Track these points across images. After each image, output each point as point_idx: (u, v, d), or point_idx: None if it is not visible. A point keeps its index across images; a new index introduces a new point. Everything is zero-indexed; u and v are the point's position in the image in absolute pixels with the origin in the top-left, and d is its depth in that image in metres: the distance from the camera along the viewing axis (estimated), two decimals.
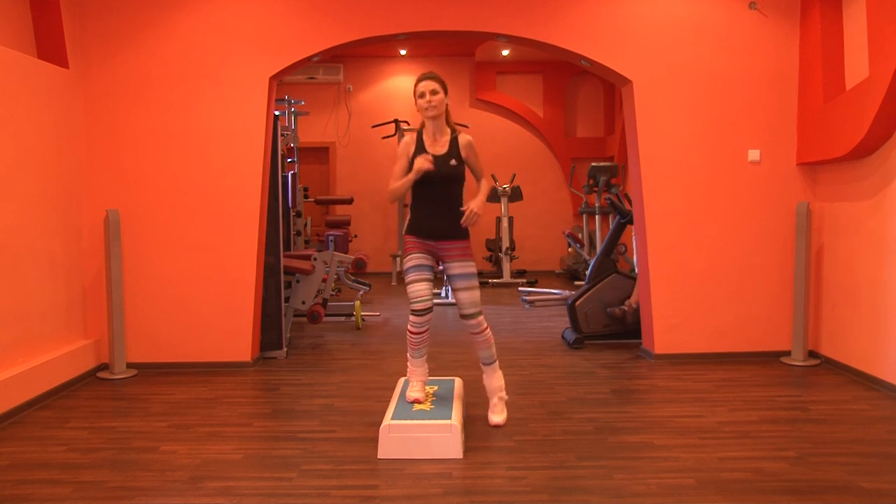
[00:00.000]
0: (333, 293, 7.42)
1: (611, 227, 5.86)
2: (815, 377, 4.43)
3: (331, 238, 7.60)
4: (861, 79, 4.23)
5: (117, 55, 4.65)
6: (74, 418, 3.72)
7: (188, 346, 4.72)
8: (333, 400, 4.01)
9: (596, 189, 8.50)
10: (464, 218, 3.31)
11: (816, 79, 4.61)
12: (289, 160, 7.57)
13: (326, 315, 6.21)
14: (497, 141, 10.03)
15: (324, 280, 5.87)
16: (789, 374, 4.52)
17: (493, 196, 8.83)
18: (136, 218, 4.67)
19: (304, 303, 5.56)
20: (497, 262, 9.24)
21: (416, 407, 3.32)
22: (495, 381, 3.56)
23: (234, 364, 4.71)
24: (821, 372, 4.55)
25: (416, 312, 3.33)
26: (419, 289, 3.33)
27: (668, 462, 3.04)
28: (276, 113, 5.10)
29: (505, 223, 8.87)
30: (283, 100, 7.82)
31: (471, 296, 3.39)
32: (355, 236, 9.40)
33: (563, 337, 5.59)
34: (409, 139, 3.48)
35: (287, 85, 9.50)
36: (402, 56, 10.05)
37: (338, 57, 9.82)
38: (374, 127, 9.39)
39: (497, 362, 3.56)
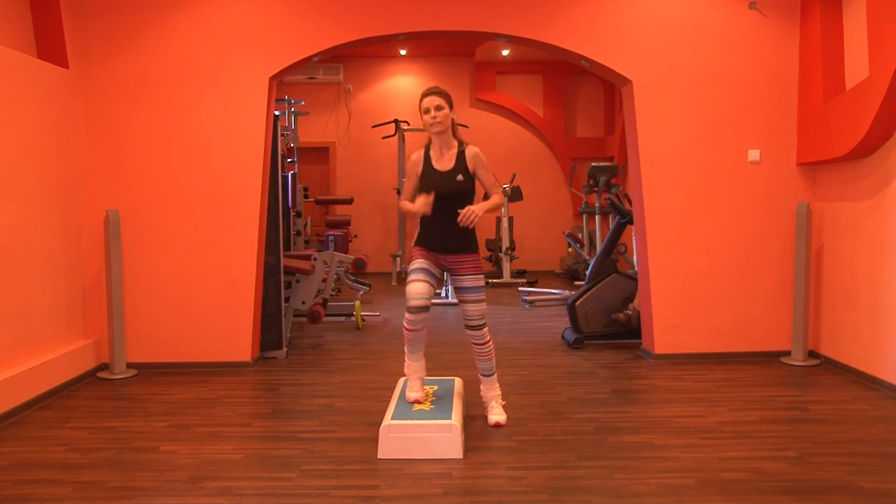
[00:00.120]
0: (333, 293, 7.42)
1: (611, 227, 5.86)
2: (815, 377, 4.43)
3: (331, 238, 7.60)
4: (861, 79, 4.23)
5: (117, 55, 4.65)
6: (74, 418, 3.72)
7: (188, 346, 4.72)
8: (333, 400, 4.01)
9: (596, 189, 8.50)
10: (461, 216, 3.28)
11: (816, 79, 4.61)
12: (289, 160, 7.57)
13: (326, 315, 6.21)
14: (497, 141, 10.02)
15: (324, 280, 5.87)
16: (789, 374, 4.52)
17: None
18: (136, 218, 4.67)
19: (304, 303, 5.56)
20: (497, 262, 9.24)
21: (416, 407, 3.32)
22: (493, 391, 3.59)
23: (234, 364, 4.71)
24: (821, 372, 4.55)
25: (410, 310, 3.32)
26: (417, 287, 3.32)
27: (668, 462, 3.04)
28: (276, 113, 5.10)
29: (505, 223, 8.87)
30: (283, 100, 7.82)
31: (478, 308, 3.42)
32: (355, 236, 9.40)
33: (563, 337, 5.59)
34: (417, 157, 3.48)
35: (287, 85, 9.50)
36: (402, 56, 10.05)
37: (338, 57, 9.82)
38: (374, 127, 9.39)
39: (496, 375, 3.58)
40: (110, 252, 4.48)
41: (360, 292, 6.92)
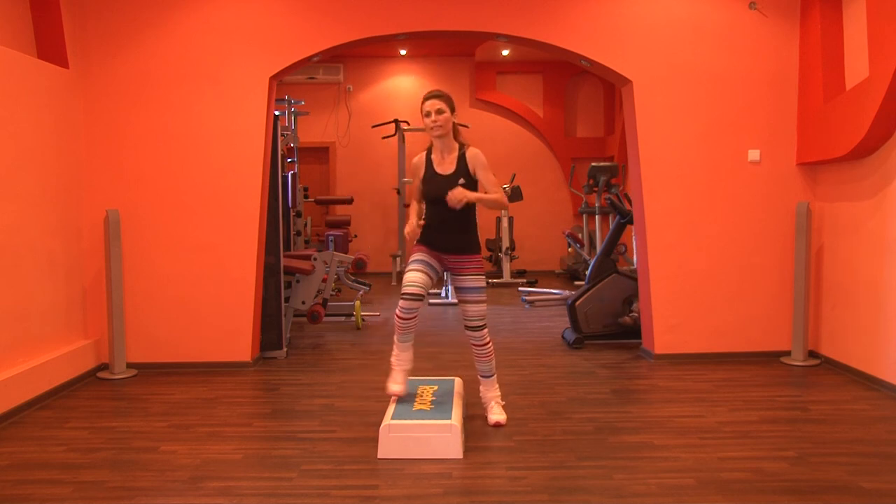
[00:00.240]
0: (333, 293, 7.42)
1: (611, 227, 5.86)
2: (815, 377, 4.43)
3: (331, 238, 7.60)
4: (861, 79, 4.23)
5: (117, 55, 4.65)
6: (74, 418, 3.72)
7: (188, 346, 4.72)
8: (333, 400, 4.01)
9: (596, 189, 8.50)
10: (448, 194, 3.26)
11: (816, 79, 4.61)
12: (289, 160, 7.57)
13: (326, 315, 6.21)
14: (497, 141, 10.02)
15: (324, 280, 5.88)
16: (789, 374, 4.52)
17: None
18: (136, 218, 4.67)
19: (304, 303, 5.56)
20: (497, 262, 9.24)
21: (416, 406, 3.32)
22: (492, 391, 3.60)
23: (234, 364, 4.71)
24: (821, 372, 4.55)
25: (404, 296, 3.31)
26: (414, 275, 3.33)
27: (668, 462, 3.04)
28: (276, 113, 5.10)
29: (505, 223, 8.87)
30: (283, 100, 7.82)
31: (478, 309, 3.43)
32: (355, 236, 9.40)
33: (563, 337, 5.59)
34: (418, 160, 3.50)
35: (287, 85, 9.50)
36: (402, 56, 10.05)
37: (338, 57, 9.82)
38: (374, 127, 9.39)
39: (495, 376, 3.59)
40: (110, 252, 4.48)
41: (360, 292, 6.92)
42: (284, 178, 6.33)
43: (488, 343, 3.49)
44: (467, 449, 3.18)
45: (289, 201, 6.72)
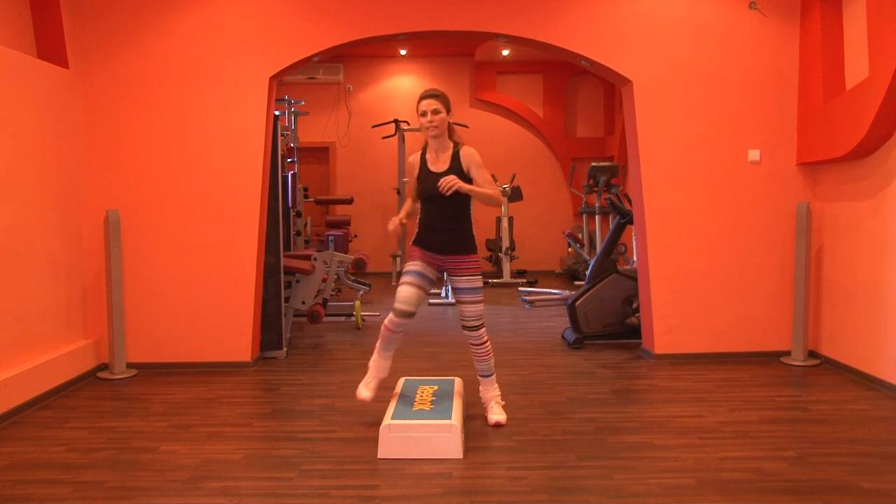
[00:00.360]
0: (333, 293, 7.42)
1: (611, 227, 5.86)
2: (815, 377, 4.43)
3: (331, 238, 7.60)
4: (861, 79, 4.23)
5: (117, 55, 4.65)
6: (74, 418, 3.72)
7: (188, 346, 4.72)
8: (333, 400, 4.01)
9: (596, 189, 8.50)
10: (440, 182, 3.22)
11: (816, 79, 4.61)
12: (289, 160, 7.57)
13: (326, 315, 6.21)
14: (497, 141, 10.02)
15: (324, 280, 5.88)
16: (789, 374, 4.52)
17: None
18: (136, 218, 4.67)
19: (304, 303, 5.56)
20: (497, 262, 9.24)
21: (416, 406, 3.32)
22: (492, 391, 3.61)
23: (234, 364, 4.71)
24: (821, 372, 4.55)
25: (396, 312, 3.36)
26: (408, 292, 3.36)
27: (668, 462, 3.04)
28: (276, 113, 5.10)
29: (505, 223, 8.87)
30: (283, 100, 7.82)
31: (475, 309, 3.44)
32: (355, 236, 9.40)
33: (563, 337, 5.59)
34: (414, 159, 3.51)
35: (287, 85, 9.50)
36: (402, 56, 10.05)
37: (338, 57, 9.82)
38: (374, 127, 9.39)
39: (494, 375, 3.60)
40: (110, 252, 4.48)
41: (360, 292, 6.92)
42: (284, 178, 6.34)
43: (486, 342, 3.49)
44: (467, 449, 3.18)
45: (289, 201, 6.73)
